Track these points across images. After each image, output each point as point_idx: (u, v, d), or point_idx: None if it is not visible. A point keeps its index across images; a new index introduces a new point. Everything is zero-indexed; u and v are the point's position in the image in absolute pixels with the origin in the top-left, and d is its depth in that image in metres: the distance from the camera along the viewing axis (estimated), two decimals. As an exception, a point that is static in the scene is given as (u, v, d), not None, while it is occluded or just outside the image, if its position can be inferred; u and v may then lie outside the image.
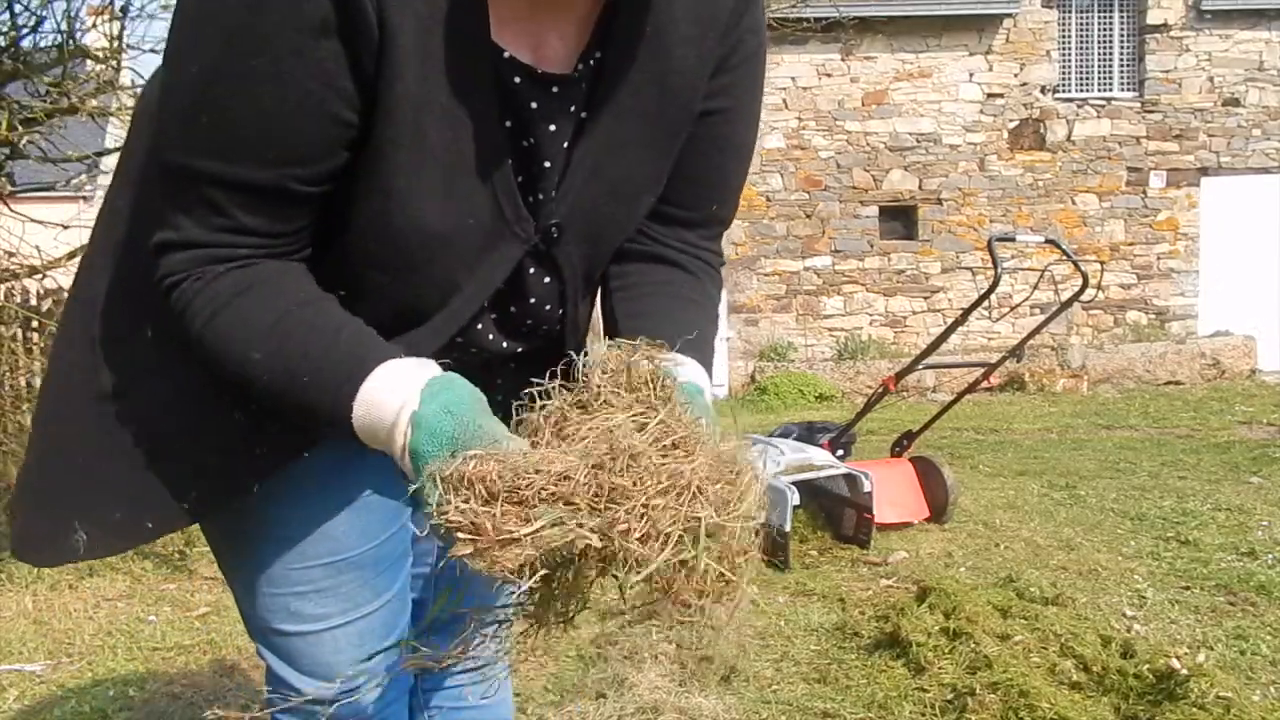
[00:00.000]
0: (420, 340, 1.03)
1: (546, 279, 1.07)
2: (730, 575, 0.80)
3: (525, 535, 0.76)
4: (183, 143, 0.91)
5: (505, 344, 1.11)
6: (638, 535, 0.76)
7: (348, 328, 0.94)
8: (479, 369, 1.03)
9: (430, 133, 0.92)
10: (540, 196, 1.02)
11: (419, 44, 0.89)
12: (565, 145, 1.00)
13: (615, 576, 0.78)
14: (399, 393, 0.88)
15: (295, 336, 0.92)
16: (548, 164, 1.00)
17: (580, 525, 0.76)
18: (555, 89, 0.98)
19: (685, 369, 1.02)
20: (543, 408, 0.86)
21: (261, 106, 0.87)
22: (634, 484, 0.77)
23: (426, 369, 0.91)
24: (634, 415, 0.83)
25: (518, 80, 0.96)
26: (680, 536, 0.77)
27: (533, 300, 1.09)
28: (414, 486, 0.85)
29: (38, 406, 1.18)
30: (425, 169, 0.93)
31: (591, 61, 0.99)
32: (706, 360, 1.08)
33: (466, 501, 0.79)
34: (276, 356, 0.92)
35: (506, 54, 0.94)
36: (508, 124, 0.97)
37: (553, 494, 0.77)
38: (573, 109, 0.99)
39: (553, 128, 0.99)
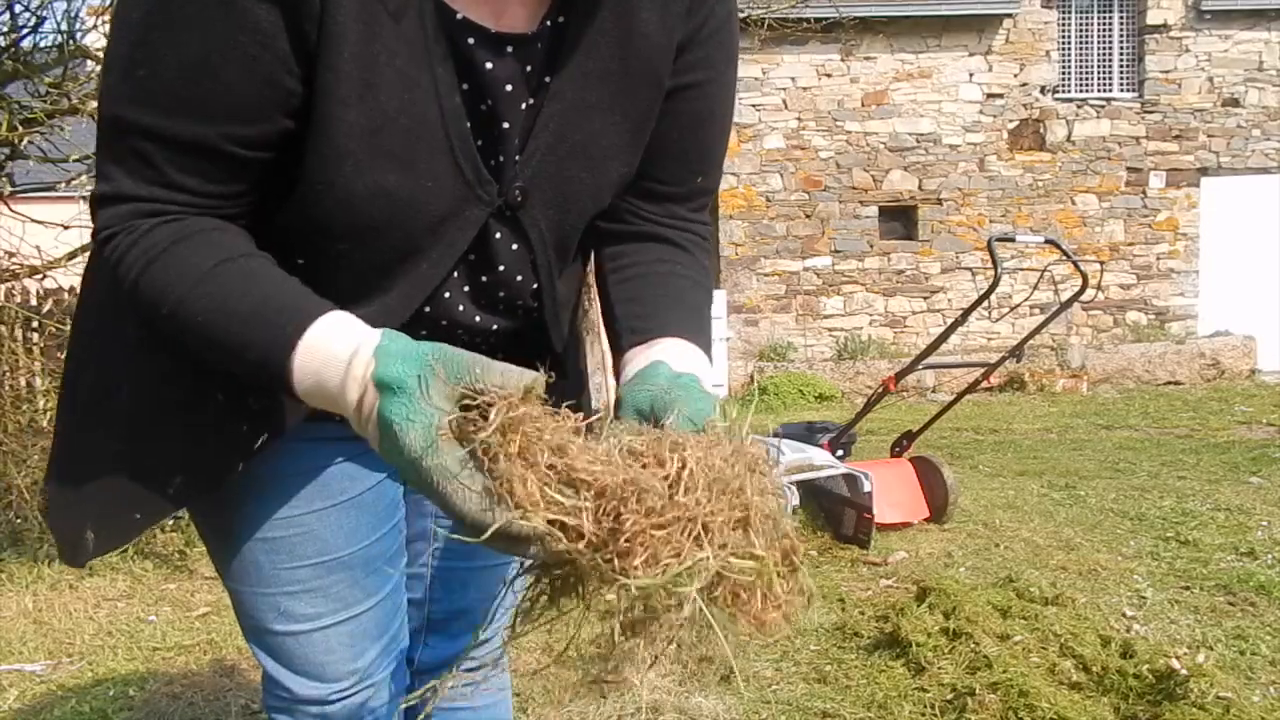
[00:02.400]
0: (388, 308, 1.01)
1: (514, 245, 1.06)
2: (719, 620, 0.77)
3: (551, 511, 0.73)
4: (118, 93, 0.91)
5: (479, 317, 1.10)
6: (638, 560, 0.72)
7: (291, 280, 0.92)
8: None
9: (381, 95, 0.91)
10: (502, 159, 1.01)
11: (364, 6, 0.88)
12: (525, 107, 1.00)
13: (600, 589, 0.75)
14: (352, 336, 0.84)
15: (234, 282, 0.89)
16: (506, 124, 0.99)
17: (580, 525, 0.73)
18: (510, 49, 0.97)
19: (682, 357, 1.01)
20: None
21: (191, 58, 0.87)
22: (645, 511, 0.73)
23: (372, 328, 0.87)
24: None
25: (471, 41, 0.95)
26: (677, 569, 0.73)
27: (502, 268, 1.07)
28: (398, 431, 0.77)
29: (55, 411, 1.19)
30: (380, 132, 0.92)
31: (552, 23, 0.98)
32: (704, 337, 1.07)
33: (506, 456, 0.73)
34: (213, 298, 0.89)
35: (459, 15, 0.94)
36: (464, 86, 0.97)
37: (581, 480, 0.73)
38: (530, 69, 0.98)
39: (509, 88, 0.98)
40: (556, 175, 1.03)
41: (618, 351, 1.07)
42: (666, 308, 1.07)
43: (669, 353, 1.01)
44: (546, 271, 1.09)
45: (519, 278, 1.08)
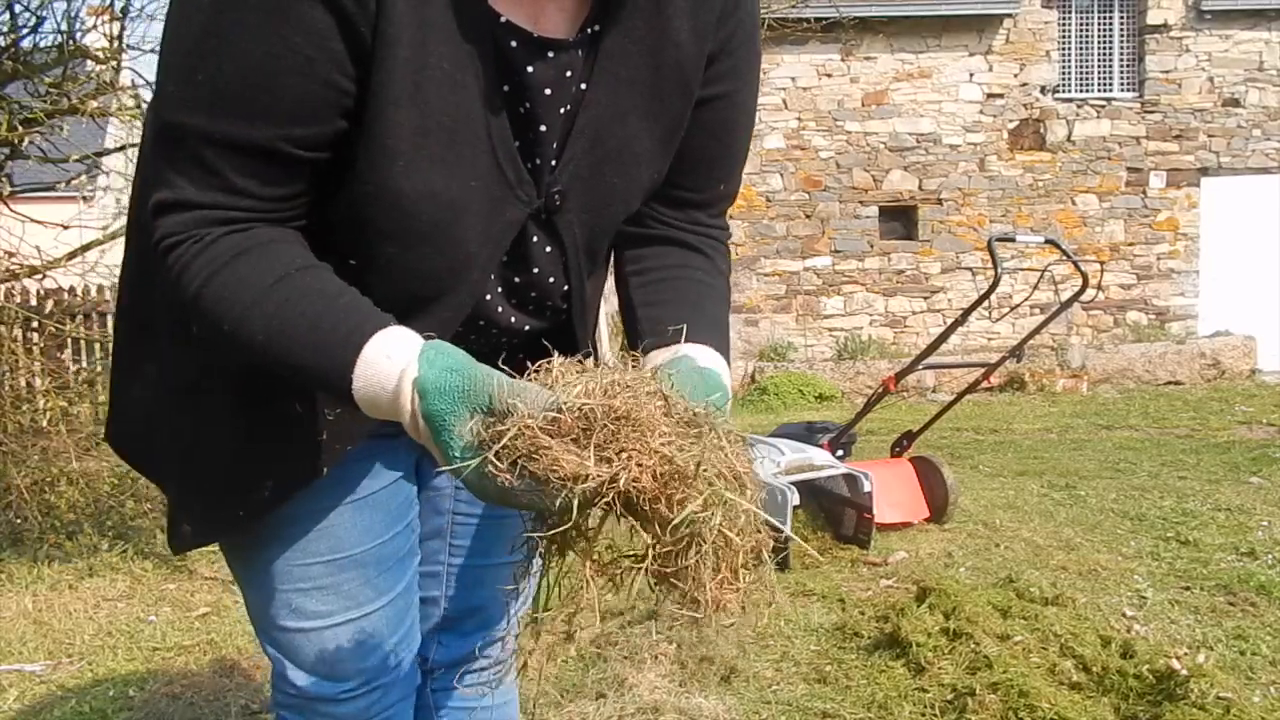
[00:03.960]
0: (443, 320, 1.04)
1: (548, 248, 1.08)
2: (741, 557, 0.84)
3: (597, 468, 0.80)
4: (177, 99, 0.92)
5: (514, 318, 1.12)
6: (679, 498, 0.81)
7: (346, 294, 0.94)
8: (491, 354, 1.04)
9: (430, 96, 0.93)
10: (538, 161, 1.03)
11: (416, 9, 0.90)
12: (563, 111, 1.01)
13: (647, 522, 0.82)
14: (397, 359, 0.89)
15: (293, 300, 0.92)
16: (544, 128, 1.01)
17: (641, 465, 0.80)
18: (551, 53, 0.99)
19: (704, 356, 1.03)
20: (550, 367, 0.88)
21: (250, 63, 0.88)
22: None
23: (419, 337, 0.91)
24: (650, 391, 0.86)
25: (514, 44, 0.97)
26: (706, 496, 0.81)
27: (536, 270, 1.09)
28: (445, 449, 0.85)
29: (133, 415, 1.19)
30: (428, 133, 0.94)
31: (590, 31, 1.00)
32: (723, 343, 1.10)
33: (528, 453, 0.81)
34: (274, 319, 0.91)
35: (503, 19, 0.96)
36: (505, 89, 0.98)
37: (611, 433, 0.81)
38: (569, 74, 1.00)
39: (549, 92, 1.00)
40: (591, 180, 1.05)
41: (637, 352, 1.09)
42: (687, 315, 1.09)
43: (694, 350, 1.04)
44: (577, 274, 1.11)
45: (551, 279, 1.10)
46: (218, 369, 1.08)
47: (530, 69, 0.98)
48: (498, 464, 0.82)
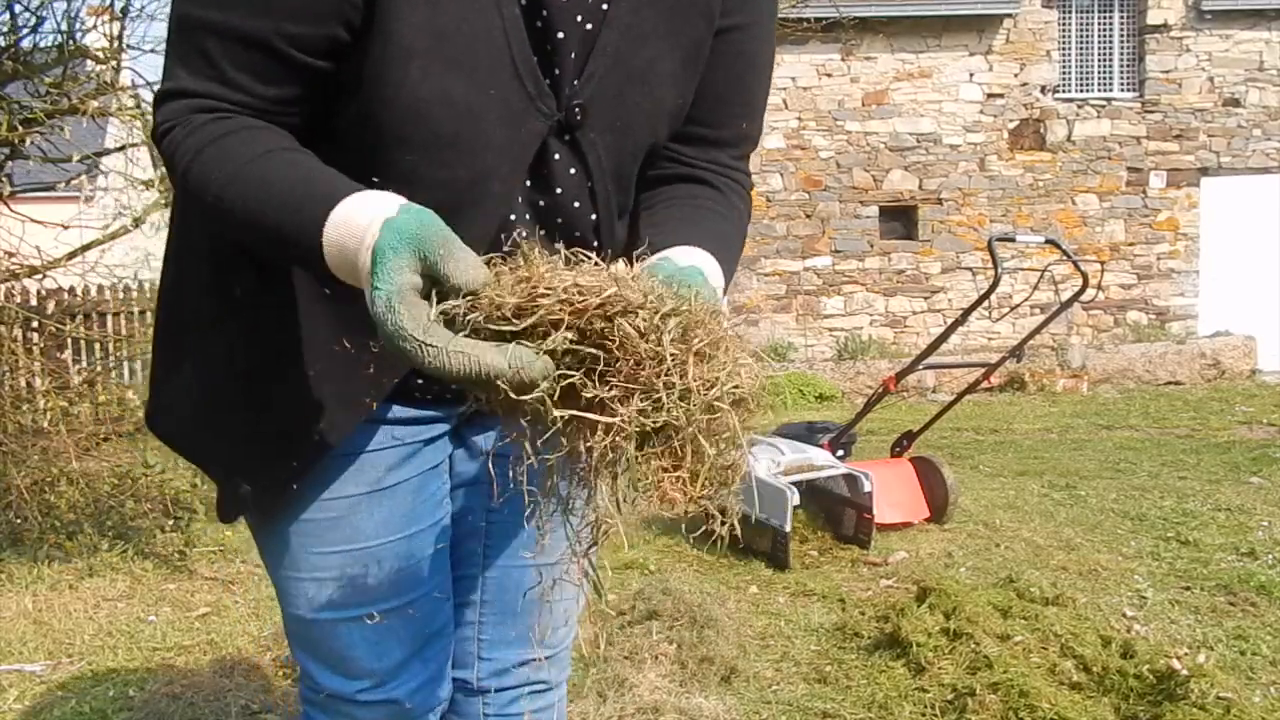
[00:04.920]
0: (467, 234, 1.01)
1: (572, 169, 1.08)
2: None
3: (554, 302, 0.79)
4: None
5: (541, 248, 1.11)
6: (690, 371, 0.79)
7: (332, 170, 0.95)
8: None
9: (444, 2, 0.95)
10: (558, 73, 1.03)
11: None
12: (584, 24, 1.02)
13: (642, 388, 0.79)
14: (375, 207, 0.87)
15: (277, 169, 0.94)
16: (561, 35, 1.02)
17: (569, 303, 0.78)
18: None
19: (689, 255, 1.01)
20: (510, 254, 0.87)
21: None
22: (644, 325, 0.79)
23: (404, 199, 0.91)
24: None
25: None
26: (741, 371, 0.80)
27: (559, 191, 1.08)
28: (374, 280, 0.83)
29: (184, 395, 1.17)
30: (444, 35, 0.95)
31: None
32: (726, 258, 1.07)
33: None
34: (255, 182, 0.93)
35: None
36: (521, 2, 1.00)
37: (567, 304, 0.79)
38: None
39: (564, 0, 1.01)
40: (615, 99, 1.05)
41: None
42: (687, 228, 1.08)
43: (675, 252, 1.02)
44: (605, 201, 1.10)
45: (576, 204, 1.10)
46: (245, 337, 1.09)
47: None
48: (424, 324, 0.80)
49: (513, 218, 1.08)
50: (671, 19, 1.05)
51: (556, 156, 1.06)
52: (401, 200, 0.88)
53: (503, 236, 1.05)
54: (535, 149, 1.04)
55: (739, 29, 1.11)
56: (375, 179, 0.99)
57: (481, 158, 1.01)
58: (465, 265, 0.83)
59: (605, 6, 1.02)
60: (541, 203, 1.08)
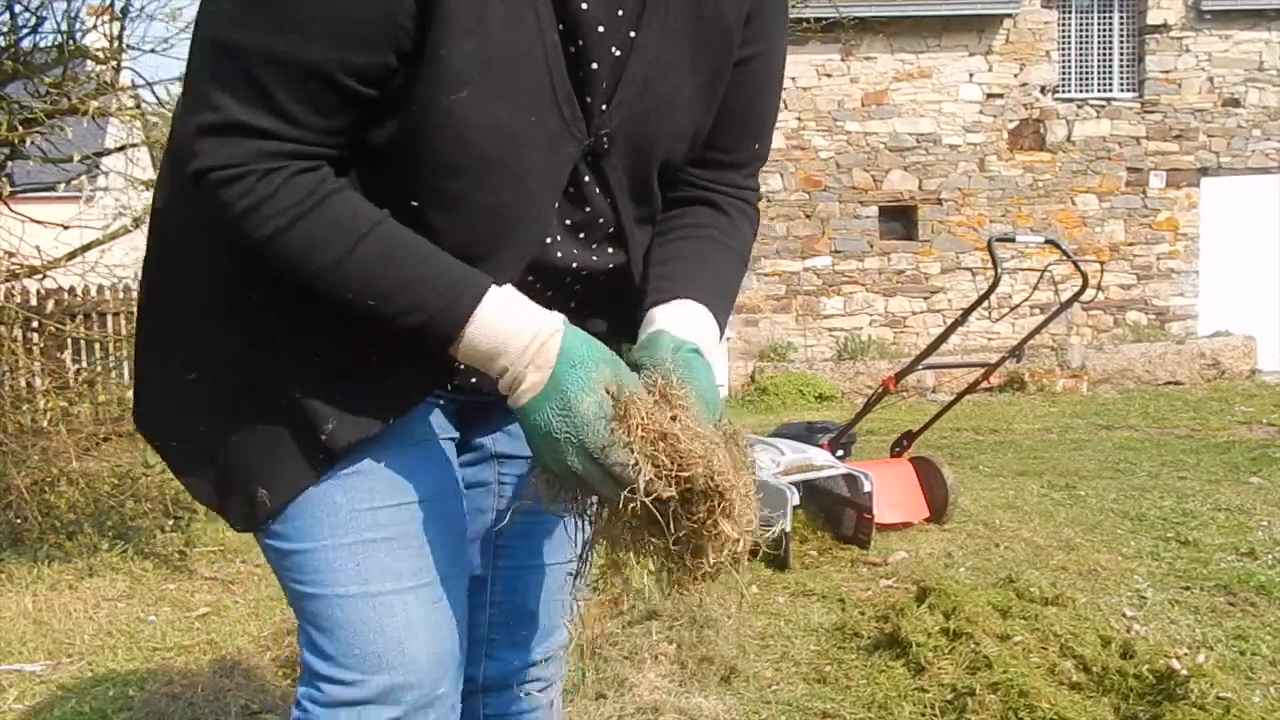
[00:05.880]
0: (509, 256, 1.06)
1: (598, 189, 1.10)
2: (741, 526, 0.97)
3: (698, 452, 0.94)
4: (232, 16, 0.92)
5: (575, 263, 1.13)
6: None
7: (440, 251, 0.99)
8: (560, 300, 1.12)
9: (493, 27, 0.95)
10: (589, 100, 1.05)
11: None
12: (614, 53, 1.04)
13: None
14: (538, 315, 0.97)
15: (393, 246, 0.96)
16: (595, 65, 1.03)
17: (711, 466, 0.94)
18: None
19: (691, 325, 1.08)
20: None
21: None
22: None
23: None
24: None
25: None
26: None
27: (589, 210, 1.11)
28: (568, 386, 0.93)
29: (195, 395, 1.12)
30: (491, 62, 0.96)
31: None
32: (723, 304, 1.15)
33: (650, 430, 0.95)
34: (374, 262, 0.95)
35: None
36: (560, 26, 1.00)
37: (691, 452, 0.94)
38: (620, 13, 1.02)
39: (601, 29, 1.02)
40: (641, 127, 1.08)
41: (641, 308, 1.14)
42: (690, 271, 1.14)
43: (674, 318, 1.08)
44: (626, 214, 1.13)
45: (602, 219, 1.12)
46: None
47: (585, 6, 1.00)
48: (625, 437, 0.92)
49: (548, 240, 1.10)
50: (695, 47, 1.07)
51: (586, 178, 1.09)
52: (555, 315, 0.99)
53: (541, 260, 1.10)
54: (569, 172, 1.06)
55: (757, 57, 1.13)
56: (414, 203, 1.00)
57: (524, 183, 1.02)
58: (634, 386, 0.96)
59: (634, 34, 1.04)
60: (570, 220, 1.11)
